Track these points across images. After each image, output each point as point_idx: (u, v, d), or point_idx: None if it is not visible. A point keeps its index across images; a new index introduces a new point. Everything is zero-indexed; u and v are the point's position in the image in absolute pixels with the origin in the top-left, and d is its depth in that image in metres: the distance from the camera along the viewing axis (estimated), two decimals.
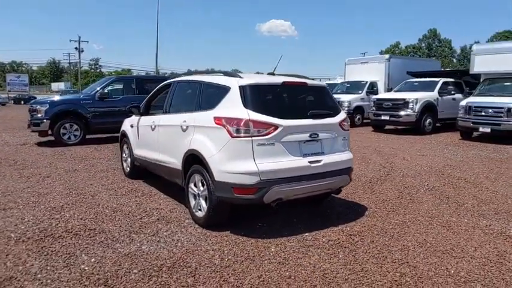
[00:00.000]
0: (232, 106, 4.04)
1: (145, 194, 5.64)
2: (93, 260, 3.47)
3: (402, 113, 13.36)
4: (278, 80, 4.40)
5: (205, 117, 4.31)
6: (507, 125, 10.82)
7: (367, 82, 16.74)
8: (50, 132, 10.32)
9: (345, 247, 3.77)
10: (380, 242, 3.90)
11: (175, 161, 4.83)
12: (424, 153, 9.41)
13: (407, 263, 3.42)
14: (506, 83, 12.06)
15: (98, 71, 74.03)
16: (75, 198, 5.41)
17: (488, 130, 11.16)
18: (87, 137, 10.81)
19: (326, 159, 4.21)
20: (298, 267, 3.35)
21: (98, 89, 10.83)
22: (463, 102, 11.95)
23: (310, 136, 4.12)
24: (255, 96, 4.04)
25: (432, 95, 13.72)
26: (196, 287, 3.02)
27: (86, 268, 3.30)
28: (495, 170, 7.42)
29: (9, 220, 4.48)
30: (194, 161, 4.42)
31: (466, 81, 15.15)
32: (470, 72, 13.21)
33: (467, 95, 12.71)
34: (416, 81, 15.02)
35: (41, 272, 3.23)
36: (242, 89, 4.06)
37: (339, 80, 23.94)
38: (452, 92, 14.05)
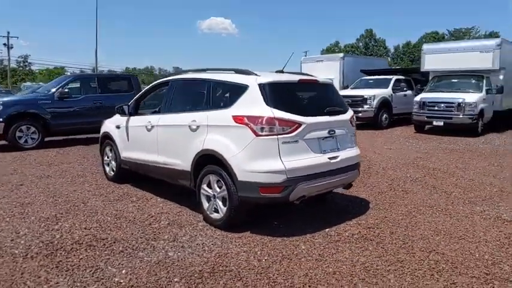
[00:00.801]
0: (252, 104, 3.98)
1: (141, 198, 5.36)
2: (124, 271, 3.24)
3: (361, 109, 13.98)
4: (294, 77, 4.42)
5: (221, 116, 4.20)
6: (457, 118, 11.79)
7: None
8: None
9: (371, 240, 3.89)
10: (399, 232, 4.08)
11: (181, 162, 4.65)
12: (390, 147, 9.95)
13: (435, 250, 3.62)
14: (453, 80, 13.12)
15: (27, 69, 68.27)
16: (65, 206, 5.00)
17: (441, 123, 12.06)
18: (46, 139, 9.99)
19: (341, 155, 4.31)
20: (337, 262, 3.40)
21: (56, 88, 10.04)
22: (418, 98, 12.79)
23: (328, 133, 4.19)
24: (275, 94, 4.01)
25: (387, 92, 14.52)
26: None
27: (122, 281, 3.08)
28: (460, 160, 8.05)
29: (1, 235, 4.03)
30: (208, 161, 4.30)
31: (415, 78, 16.24)
32: (421, 70, 14.17)
33: (420, 91, 13.63)
34: (370, 79, 15.80)
35: None
36: (262, 87, 4.01)
37: None
38: (405, 89, 15.02)
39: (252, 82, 4.08)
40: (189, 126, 4.51)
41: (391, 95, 14.58)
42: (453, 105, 11.87)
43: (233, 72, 4.53)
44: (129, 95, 10.83)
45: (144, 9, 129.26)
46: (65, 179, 6.54)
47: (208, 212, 4.36)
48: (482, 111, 11.89)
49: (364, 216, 4.59)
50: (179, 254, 3.59)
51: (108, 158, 6.42)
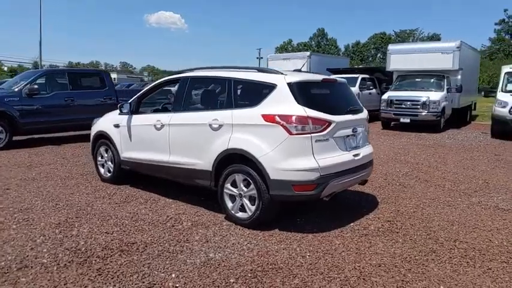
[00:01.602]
0: (282, 103, 4.02)
1: (149, 200, 5.19)
2: (173, 275, 3.16)
3: None
4: (317, 77, 4.51)
5: (248, 114, 4.19)
6: (423, 115, 12.57)
7: None
8: None
9: (396, 232, 4.09)
10: (418, 224, 4.32)
11: (199, 162, 4.58)
12: None
13: (458, 239, 3.89)
14: (416, 79, 13.96)
15: None
16: (71, 210, 4.73)
17: (407, 120, 12.80)
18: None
19: (362, 152, 4.47)
20: (377, 255, 3.56)
21: (24, 84, 9.34)
22: (385, 96, 13.46)
23: (352, 131, 4.34)
24: (304, 93, 4.08)
25: (354, 90, 15.07)
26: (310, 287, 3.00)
27: (177, 285, 3.01)
28: (436, 155, 8.62)
29: (17, 243, 3.74)
30: (233, 160, 4.27)
31: (377, 77, 17.05)
32: (387, 69, 14.90)
33: (386, 90, 14.34)
34: (338, 78, 16.29)
35: None
36: (291, 86, 4.06)
37: None
38: (370, 87, 15.72)
39: (281, 81, 4.12)
40: (210, 125, 4.45)
41: (358, 93, 15.18)
42: (419, 103, 12.63)
43: (256, 70, 4.54)
44: (102, 92, 10.42)
45: (88, 1, 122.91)
46: (53, 181, 6.15)
47: (233, 212, 4.34)
48: (444, 108, 12.77)
49: (379, 210, 4.80)
50: (220, 254, 3.55)
51: (102, 158, 6.13)
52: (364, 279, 3.12)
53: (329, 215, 4.61)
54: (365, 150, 4.57)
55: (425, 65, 13.53)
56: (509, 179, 6.38)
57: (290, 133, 3.88)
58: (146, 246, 3.73)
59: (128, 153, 5.59)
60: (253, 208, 4.16)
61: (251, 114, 4.17)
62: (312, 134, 3.90)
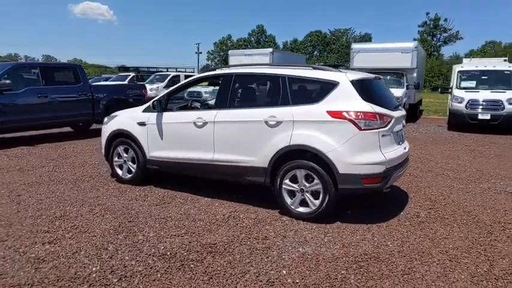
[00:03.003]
0: (347, 100, 4.17)
1: (187, 200, 5.05)
2: (284, 272, 3.19)
3: None
4: (370, 74, 4.71)
5: (311, 111, 4.28)
6: None
7: None
8: None
9: (447, 219, 4.47)
10: (457, 211, 4.74)
11: (253, 159, 4.57)
12: None
13: (499, 222, 4.36)
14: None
15: None
16: (114, 215, 4.46)
17: None
18: None
19: (406, 146, 4.79)
20: (448, 239, 3.88)
21: None
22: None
23: (402, 126, 4.63)
24: (365, 90, 4.27)
25: None
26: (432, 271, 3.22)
27: (297, 281, 3.05)
28: (418, 147, 9.32)
29: (89, 253, 3.48)
30: (292, 156, 4.34)
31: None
32: (350, 67, 15.66)
33: None
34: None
35: None
36: (354, 83, 4.23)
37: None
38: None
39: (343, 78, 4.27)
40: (266, 121, 4.46)
41: None
42: None
43: (311, 68, 4.63)
44: (76, 88, 9.75)
45: None
46: (63, 185, 5.68)
47: (293, 207, 4.41)
48: (405, 104, 13.80)
49: (412, 200, 5.16)
50: (309, 249, 3.63)
51: (120, 158, 5.80)
52: (456, 261, 3.41)
53: (372, 206, 4.86)
54: (406, 145, 4.90)
55: (386, 64, 14.49)
56: (496, 167, 7.17)
57: (360, 129, 4.05)
58: (229, 245, 3.68)
59: (157, 152, 5.36)
60: (317, 202, 4.27)
61: (315, 111, 4.26)
62: (379, 129, 4.12)
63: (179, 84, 5.55)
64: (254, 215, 4.50)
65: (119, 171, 5.85)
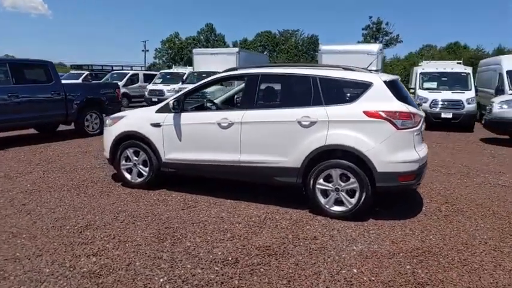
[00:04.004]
0: (382, 100, 4.30)
1: (212, 203, 4.89)
2: (355, 270, 3.23)
3: None
4: (394, 75, 4.87)
5: (347, 111, 4.35)
6: None
7: None
8: None
9: (466, 212, 4.76)
10: (470, 204, 5.06)
11: (284, 159, 4.57)
12: None
13: None
14: None
15: None
16: (144, 222, 4.24)
17: None
18: None
19: (425, 144, 5.04)
20: (479, 231, 4.14)
21: None
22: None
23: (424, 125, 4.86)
24: (396, 91, 4.44)
25: None
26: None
27: (372, 278, 3.10)
28: None
29: (148, 263, 3.27)
30: (327, 156, 4.39)
31: None
32: None
33: None
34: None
35: None
36: (387, 84, 4.37)
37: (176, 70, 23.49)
38: None
39: (377, 79, 4.39)
40: (299, 122, 4.48)
41: None
42: None
43: (341, 69, 4.71)
44: (49, 87, 9.09)
45: None
46: (67, 191, 5.28)
47: (327, 206, 4.46)
48: None
49: (425, 195, 5.44)
50: (362, 247, 3.70)
51: (129, 162, 5.49)
52: (500, 251, 3.66)
53: (391, 203, 5.05)
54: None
55: (353, 65, 15.03)
56: (477, 162, 7.76)
57: (397, 128, 4.20)
58: (284, 247, 3.65)
59: (174, 154, 5.15)
60: (353, 201, 4.36)
61: (351, 111, 4.35)
62: (413, 128, 4.30)
63: (197, 84, 5.36)
64: (288, 216, 4.48)
65: (127, 176, 5.53)
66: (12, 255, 3.40)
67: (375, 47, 15.08)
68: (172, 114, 5.13)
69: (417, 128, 4.37)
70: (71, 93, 9.51)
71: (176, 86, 18.55)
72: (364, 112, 4.28)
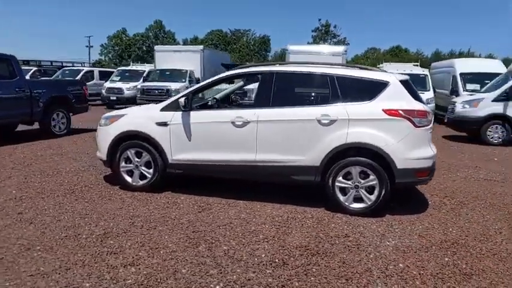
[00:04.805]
0: (399, 99, 4.43)
1: (225, 205, 4.73)
2: (401, 265, 3.30)
3: None
4: (406, 75, 5.02)
5: (366, 109, 4.43)
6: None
7: (187, 71, 17.16)
8: None
9: (467, 204, 5.05)
10: (467, 197, 5.37)
11: (302, 158, 4.56)
12: None
13: (507, 204, 5.12)
14: None
15: None
16: (164, 227, 4.01)
17: None
18: None
19: None
20: (492, 221, 4.41)
21: None
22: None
23: None
24: (410, 90, 4.59)
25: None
26: None
27: (421, 272, 3.18)
28: None
29: (189, 277, 3.09)
30: (347, 154, 4.45)
31: None
32: None
33: None
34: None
35: None
36: (403, 83, 4.51)
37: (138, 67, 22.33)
38: None
39: (393, 79, 4.52)
40: (319, 120, 4.48)
41: None
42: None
43: (357, 68, 4.77)
44: (13, 83, 8.35)
45: None
46: (63, 197, 4.87)
47: (347, 203, 4.51)
48: None
49: (425, 189, 5.65)
50: (394, 241, 3.79)
51: (129, 164, 5.16)
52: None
53: (400, 198, 5.21)
54: None
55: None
56: (453, 158, 8.27)
57: (415, 126, 4.35)
58: (323, 246, 3.63)
59: (183, 154, 4.92)
60: (372, 197, 4.45)
61: (370, 109, 4.43)
62: (428, 126, 4.48)
63: (205, 82, 5.16)
64: (309, 215, 4.47)
65: (128, 178, 5.19)
66: (36, 270, 3.05)
67: (340, 49, 15.57)
68: (181, 112, 4.91)
69: (430, 125, 4.56)
70: (36, 91, 8.75)
71: (137, 84, 17.87)
72: (384, 110, 4.38)
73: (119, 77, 19.02)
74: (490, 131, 10.12)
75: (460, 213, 4.70)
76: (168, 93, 15.78)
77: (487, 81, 13.07)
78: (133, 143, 5.10)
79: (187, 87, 16.67)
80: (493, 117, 10.07)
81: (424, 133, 4.44)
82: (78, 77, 18.61)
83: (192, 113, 4.91)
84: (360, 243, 3.73)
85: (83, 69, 19.89)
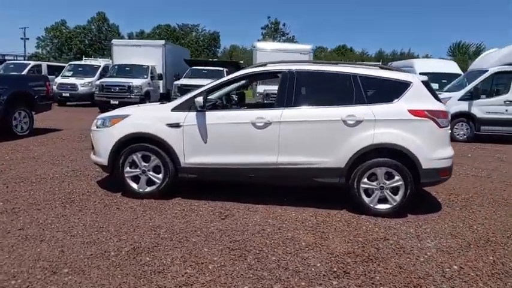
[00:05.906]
0: (422, 100, 4.46)
1: (248, 209, 4.50)
2: (455, 267, 3.29)
3: None
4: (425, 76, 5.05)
5: (392, 110, 4.41)
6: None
7: (148, 67, 16.34)
8: None
9: (475, 201, 5.24)
10: (474, 195, 5.56)
11: (326, 159, 4.45)
12: None
13: (507, 200, 5.40)
14: None
15: None
16: (200, 238, 3.69)
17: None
18: None
19: None
20: (506, 217, 4.60)
21: None
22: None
23: None
24: (431, 91, 4.64)
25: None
26: None
27: (470, 273, 3.20)
28: None
29: (273, 286, 2.85)
30: (372, 155, 4.40)
31: (230, 69, 18.09)
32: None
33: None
34: (204, 69, 16.43)
35: None
36: (425, 83, 4.55)
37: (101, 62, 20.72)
38: None
39: (416, 79, 4.54)
40: (344, 121, 4.39)
41: None
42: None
43: (378, 68, 4.73)
44: None
45: None
46: (64, 209, 4.36)
47: (372, 205, 4.48)
48: None
49: (431, 188, 5.76)
50: (434, 243, 3.78)
51: (135, 168, 4.72)
52: None
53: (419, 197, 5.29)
54: None
55: None
56: None
57: (440, 126, 4.41)
58: (369, 251, 3.54)
59: (198, 158, 4.59)
60: (397, 198, 4.45)
61: (395, 109, 4.41)
62: (448, 127, 4.56)
63: (219, 81, 4.83)
64: (336, 218, 4.37)
65: (133, 185, 4.75)
66: None
67: (307, 47, 15.70)
68: (195, 113, 4.57)
69: (449, 126, 4.66)
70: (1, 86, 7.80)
71: (92, 80, 16.77)
72: (409, 111, 4.38)
73: (72, 72, 17.70)
74: (456, 128, 10.73)
75: (473, 210, 4.86)
76: (129, 90, 14.94)
77: (444, 81, 13.91)
78: (140, 146, 4.66)
79: (149, 84, 16.00)
80: (459, 115, 10.69)
81: (446, 133, 4.52)
82: (24, 72, 17.02)
83: (207, 113, 4.59)
84: (402, 246, 3.69)
85: (29, 63, 18.20)
